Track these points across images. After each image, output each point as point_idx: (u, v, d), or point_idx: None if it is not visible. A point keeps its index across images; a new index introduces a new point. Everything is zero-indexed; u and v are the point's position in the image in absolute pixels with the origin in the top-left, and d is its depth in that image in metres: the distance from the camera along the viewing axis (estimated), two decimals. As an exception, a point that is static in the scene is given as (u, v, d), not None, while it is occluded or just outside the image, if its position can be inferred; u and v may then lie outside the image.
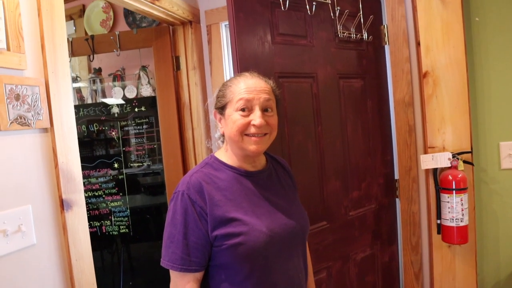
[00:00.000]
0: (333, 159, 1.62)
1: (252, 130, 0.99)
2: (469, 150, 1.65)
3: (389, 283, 1.88)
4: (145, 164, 2.40)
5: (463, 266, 1.71)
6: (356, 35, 1.70)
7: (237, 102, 1.00)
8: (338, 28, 1.62)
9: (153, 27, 2.33)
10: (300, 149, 1.50)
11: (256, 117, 0.99)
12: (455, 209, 1.59)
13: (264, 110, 1.01)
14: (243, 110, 1.00)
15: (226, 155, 1.08)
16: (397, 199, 1.89)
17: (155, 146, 2.37)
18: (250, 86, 1.02)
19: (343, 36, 1.65)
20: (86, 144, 2.39)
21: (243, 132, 1.00)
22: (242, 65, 1.29)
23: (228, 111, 1.03)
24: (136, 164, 2.40)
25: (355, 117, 1.72)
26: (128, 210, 2.36)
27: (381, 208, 1.83)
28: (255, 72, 1.07)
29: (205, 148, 2.13)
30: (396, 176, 1.87)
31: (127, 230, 2.35)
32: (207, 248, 0.98)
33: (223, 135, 1.09)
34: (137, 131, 2.38)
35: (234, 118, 1.01)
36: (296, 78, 1.50)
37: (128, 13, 2.40)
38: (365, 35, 1.72)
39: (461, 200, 1.59)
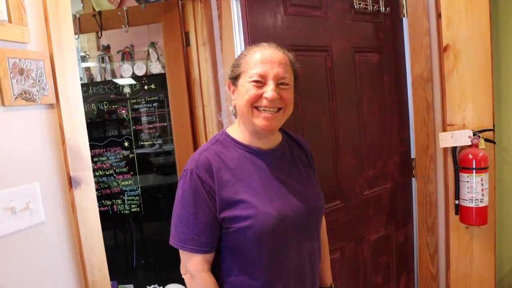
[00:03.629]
0: (348, 136, 1.57)
1: (264, 102, 0.94)
2: (491, 127, 1.57)
3: (404, 264, 1.85)
4: (156, 143, 2.37)
5: (481, 248, 1.66)
6: (373, 6, 1.61)
7: (251, 73, 0.95)
8: (355, -2, 1.54)
9: (161, 1, 2.26)
10: (314, 126, 1.45)
11: (269, 90, 0.93)
12: (475, 189, 1.53)
13: (279, 83, 0.95)
14: (256, 81, 0.94)
15: (238, 130, 1.03)
16: (413, 179, 1.83)
17: (165, 124, 2.34)
18: (266, 57, 0.96)
19: (359, 7, 1.56)
20: (96, 123, 2.37)
21: (253, 103, 0.94)
22: (253, 37, 1.23)
23: (241, 81, 0.98)
24: (146, 143, 2.38)
25: (371, 92, 1.66)
26: (139, 190, 2.35)
27: (396, 187, 1.77)
28: (273, 43, 1.00)
29: (216, 125, 2.09)
30: (413, 155, 1.81)
31: (138, 209, 2.36)
32: (217, 229, 0.95)
33: (235, 108, 1.04)
34: (147, 109, 2.34)
35: (246, 88, 0.95)
36: (310, 52, 1.44)
37: (136, -12, 2.33)
38: (382, 7, 1.63)
39: (482, 180, 1.53)
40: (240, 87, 0.97)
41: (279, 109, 0.96)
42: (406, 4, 1.73)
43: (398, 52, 1.76)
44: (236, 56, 2.03)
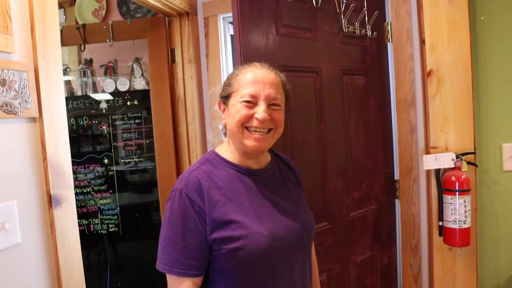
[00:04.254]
0: (336, 158, 1.57)
1: (255, 123, 0.92)
2: (473, 151, 1.62)
3: (388, 286, 1.84)
4: (137, 160, 2.31)
5: (464, 269, 1.68)
6: (360, 30, 1.65)
7: (242, 93, 0.94)
8: (343, 22, 1.57)
9: (148, 17, 2.24)
10: (302, 147, 1.44)
11: (260, 111, 0.92)
12: (458, 211, 1.56)
13: (270, 104, 0.95)
14: (247, 101, 0.93)
15: (227, 149, 1.01)
16: (397, 200, 1.84)
17: (147, 141, 2.29)
18: (258, 77, 0.95)
19: (347, 31, 1.59)
20: (75, 138, 2.29)
21: (244, 124, 0.93)
22: (245, 56, 1.23)
23: (232, 100, 0.96)
24: (127, 160, 2.31)
25: (358, 115, 1.67)
26: (118, 208, 2.27)
27: (381, 209, 1.78)
28: (266, 64, 1.00)
29: (200, 144, 2.06)
30: (397, 177, 1.83)
31: (116, 228, 2.26)
32: (206, 251, 0.91)
33: (225, 127, 1.02)
34: (129, 125, 2.29)
35: (237, 108, 0.94)
36: (300, 72, 1.44)
37: (122, 3, 2.31)
38: (369, 31, 1.67)
39: (464, 202, 1.55)
40: (231, 106, 0.96)
41: (270, 129, 0.95)
42: (391, 29, 1.78)
43: (383, 76, 1.80)
44: (222, 75, 2.04)
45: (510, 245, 1.74)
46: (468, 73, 1.62)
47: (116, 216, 2.26)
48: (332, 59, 1.55)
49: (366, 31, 1.67)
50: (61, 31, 2.15)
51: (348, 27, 1.59)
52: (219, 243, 0.90)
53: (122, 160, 2.32)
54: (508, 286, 1.76)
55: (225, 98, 0.99)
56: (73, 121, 2.28)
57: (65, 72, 2.37)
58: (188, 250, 0.89)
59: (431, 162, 1.63)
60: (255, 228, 0.91)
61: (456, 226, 1.57)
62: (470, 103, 1.63)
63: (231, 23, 2.05)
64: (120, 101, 2.26)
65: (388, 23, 1.79)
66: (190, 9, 2.01)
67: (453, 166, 1.59)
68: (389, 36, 1.79)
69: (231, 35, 2.09)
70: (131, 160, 2.31)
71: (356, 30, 1.64)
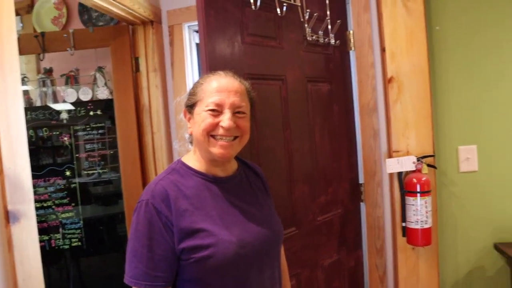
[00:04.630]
0: (301, 164, 1.60)
1: (220, 131, 0.94)
2: (432, 153, 1.69)
3: (355, 287, 1.88)
4: (100, 171, 2.24)
5: (426, 267, 1.74)
6: (324, 39, 1.69)
7: (207, 101, 0.95)
8: (307, 31, 1.60)
9: (111, 25, 2.20)
10: (269, 153, 1.46)
11: (225, 119, 0.93)
12: (420, 212, 1.62)
13: (235, 112, 0.96)
14: (213, 110, 0.94)
15: (194, 158, 1.02)
16: (362, 204, 1.89)
17: (111, 152, 2.23)
18: (222, 86, 0.96)
19: (311, 39, 1.63)
20: (34, 150, 2.20)
21: (210, 132, 0.94)
22: (211, 64, 1.23)
23: (197, 109, 0.97)
24: (90, 172, 2.24)
25: (322, 121, 1.71)
26: (81, 222, 2.19)
27: (347, 213, 1.82)
28: (230, 72, 1.01)
29: (166, 153, 2.03)
30: (361, 181, 1.88)
31: (79, 243, 2.18)
32: (174, 262, 0.90)
33: (191, 136, 1.03)
34: (92, 136, 2.22)
35: (202, 117, 0.95)
36: (265, 80, 1.46)
37: (84, 11, 2.26)
38: (332, 40, 1.72)
39: (425, 203, 1.62)
40: (197, 115, 0.97)
41: (236, 137, 0.97)
42: (353, 38, 1.84)
43: (347, 83, 1.86)
44: (187, 83, 2.03)
45: (467, 243, 1.83)
46: (426, 79, 1.70)
47: (79, 230, 2.18)
48: (297, 67, 1.58)
49: (330, 40, 1.71)
50: (18, 39, 2.07)
51: (312, 36, 1.63)
52: (187, 252, 0.89)
53: (85, 172, 2.24)
54: (467, 281, 1.84)
55: (190, 107, 1.00)
56: (32, 133, 2.19)
57: (23, 81, 2.27)
58: (155, 261, 0.88)
59: (394, 165, 1.69)
60: (223, 236, 0.91)
61: (418, 227, 1.63)
62: (428, 108, 1.70)
63: (196, 31, 2.05)
64: (82, 111, 2.19)
65: (350, 32, 1.85)
66: (154, 18, 2.00)
67: (414, 168, 1.66)
68: (352, 44, 1.86)
69: (197, 44, 2.09)
70: (94, 171, 2.24)
71: (320, 39, 1.68)
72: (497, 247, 1.76)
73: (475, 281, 1.84)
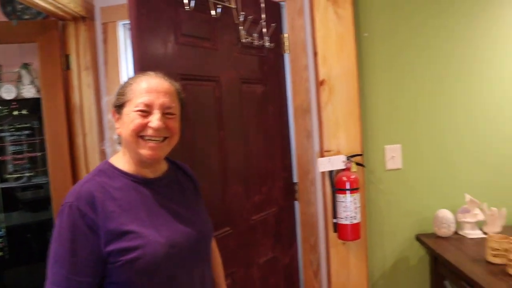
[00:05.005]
0: (236, 164, 1.62)
1: (149, 132, 0.93)
2: (360, 153, 1.79)
3: (290, 284, 1.93)
4: (28, 175, 2.10)
5: (356, 261, 1.84)
6: (259, 41, 1.73)
7: (136, 102, 0.94)
8: (242, 33, 1.63)
9: (38, 19, 2.07)
10: (203, 154, 1.46)
11: (154, 119, 0.93)
12: (349, 208, 1.71)
13: (165, 112, 0.96)
14: (142, 111, 0.93)
15: (123, 159, 1.00)
16: (296, 202, 1.96)
17: (39, 155, 2.10)
18: (151, 86, 0.96)
19: (246, 41, 1.66)
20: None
21: (139, 133, 0.93)
22: (142, 64, 1.21)
23: (126, 110, 0.95)
24: (16, 176, 2.09)
25: (257, 121, 1.75)
26: (4, 230, 2.04)
27: (281, 211, 1.88)
28: (160, 73, 1.01)
29: (98, 155, 1.95)
30: (295, 180, 1.95)
31: (1, 253, 2.02)
32: (99, 266, 0.88)
33: (120, 137, 1.01)
34: (17, 137, 2.07)
35: (131, 117, 0.93)
36: (199, 81, 1.47)
37: (7, 2, 2.10)
38: (267, 42, 1.76)
39: (354, 199, 1.71)
40: (125, 116, 0.95)
41: (165, 138, 0.97)
42: (288, 41, 1.90)
43: (281, 85, 1.91)
44: (121, 83, 1.97)
45: (393, 236, 1.97)
46: (354, 83, 1.80)
47: (1, 239, 2.03)
48: (231, 68, 1.60)
49: (264, 42, 1.76)
50: None
51: (247, 37, 1.66)
52: (115, 255, 0.87)
53: (11, 176, 2.10)
54: (393, 271, 1.98)
55: (119, 107, 0.98)
56: None
57: None
58: (78, 266, 0.86)
59: (325, 164, 1.77)
60: (152, 237, 0.91)
61: (348, 222, 1.72)
62: (357, 110, 1.80)
63: (131, 29, 2.00)
64: (5, 111, 2.04)
65: (285, 35, 1.91)
66: (86, 14, 1.92)
67: (344, 167, 1.75)
68: (286, 47, 1.92)
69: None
70: (22, 175, 2.10)
71: (255, 41, 1.71)
72: (419, 238, 1.90)
73: (400, 271, 1.98)
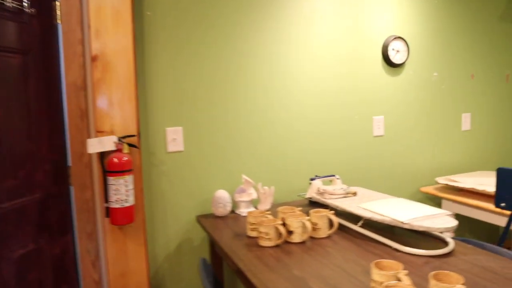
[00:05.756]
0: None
1: None
2: (135, 134, 1.74)
3: (62, 277, 1.77)
4: None
5: (134, 245, 1.80)
6: (13, 3, 1.50)
7: None
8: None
9: None
10: None
11: None
12: (120, 191, 1.64)
13: None
14: None
15: None
16: (71, 187, 1.80)
17: None
18: None
19: (-12, 0, 1.42)
20: None
21: None
22: None
23: None
24: None
25: (10, 96, 1.52)
26: None
27: (49, 197, 1.70)
28: None
29: None
30: (70, 163, 1.79)
31: None
32: None
33: None
34: None
35: None
36: None
37: None
38: (27, 8, 1.54)
39: (126, 182, 1.65)
40: None
41: None
42: (61, 10, 1.71)
43: (51, 58, 1.71)
44: None
45: (176, 218, 1.99)
46: (130, 62, 1.73)
47: None
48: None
49: (22, 6, 1.53)
50: None
51: (-9, -3, 1.42)
52: None
53: None
54: (177, 253, 2.01)
55: None
56: None
57: None
58: None
59: (95, 145, 1.66)
60: None
61: (118, 206, 1.65)
62: (133, 89, 1.74)
63: None
64: None
65: (57, 3, 1.71)
66: None
67: (115, 148, 1.67)
68: (58, 17, 1.72)
69: None
70: None
71: (6, 2, 1.48)
72: (198, 219, 1.97)
73: (184, 253, 2.02)
